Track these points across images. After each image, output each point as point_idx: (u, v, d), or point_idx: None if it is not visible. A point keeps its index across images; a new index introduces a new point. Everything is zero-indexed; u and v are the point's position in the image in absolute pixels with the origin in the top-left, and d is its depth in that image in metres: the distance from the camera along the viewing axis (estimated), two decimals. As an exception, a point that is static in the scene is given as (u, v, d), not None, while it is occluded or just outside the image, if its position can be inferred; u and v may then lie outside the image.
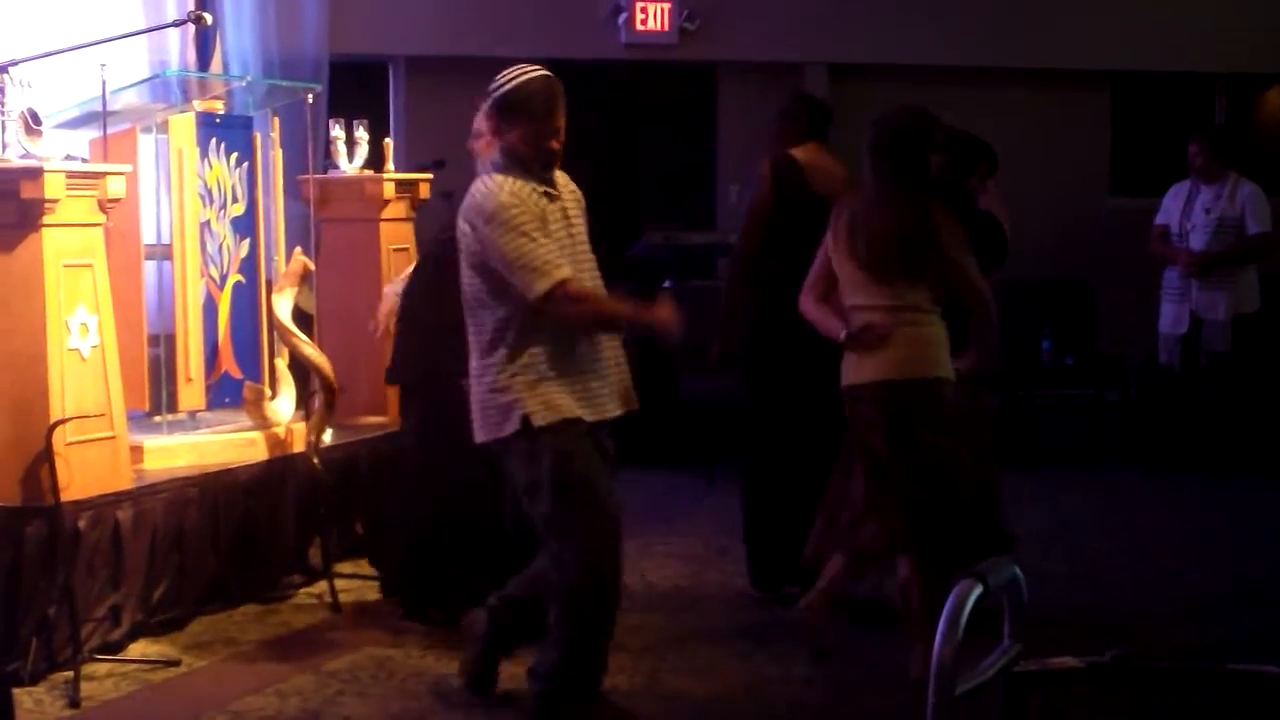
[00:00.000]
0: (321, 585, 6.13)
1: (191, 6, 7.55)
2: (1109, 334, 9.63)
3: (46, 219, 5.05)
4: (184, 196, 6.12)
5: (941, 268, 4.99)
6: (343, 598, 6.00)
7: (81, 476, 5.13)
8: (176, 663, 5.31)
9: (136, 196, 5.84)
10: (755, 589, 6.11)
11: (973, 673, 2.70)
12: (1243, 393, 8.69)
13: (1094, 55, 10.93)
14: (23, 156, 5.06)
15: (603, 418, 4.56)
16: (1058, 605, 5.87)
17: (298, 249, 6.36)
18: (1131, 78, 11.28)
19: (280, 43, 9.04)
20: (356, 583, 6.22)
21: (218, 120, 6.43)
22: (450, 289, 4.70)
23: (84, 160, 5.64)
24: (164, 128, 6.12)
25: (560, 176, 4.63)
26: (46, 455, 4.99)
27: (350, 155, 7.01)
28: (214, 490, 5.78)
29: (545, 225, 4.44)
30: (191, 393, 6.16)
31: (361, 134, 7.02)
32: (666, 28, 10.46)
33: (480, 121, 5.01)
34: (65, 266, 5.12)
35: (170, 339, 6.14)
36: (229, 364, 6.38)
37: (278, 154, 6.69)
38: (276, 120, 6.75)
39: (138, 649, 5.40)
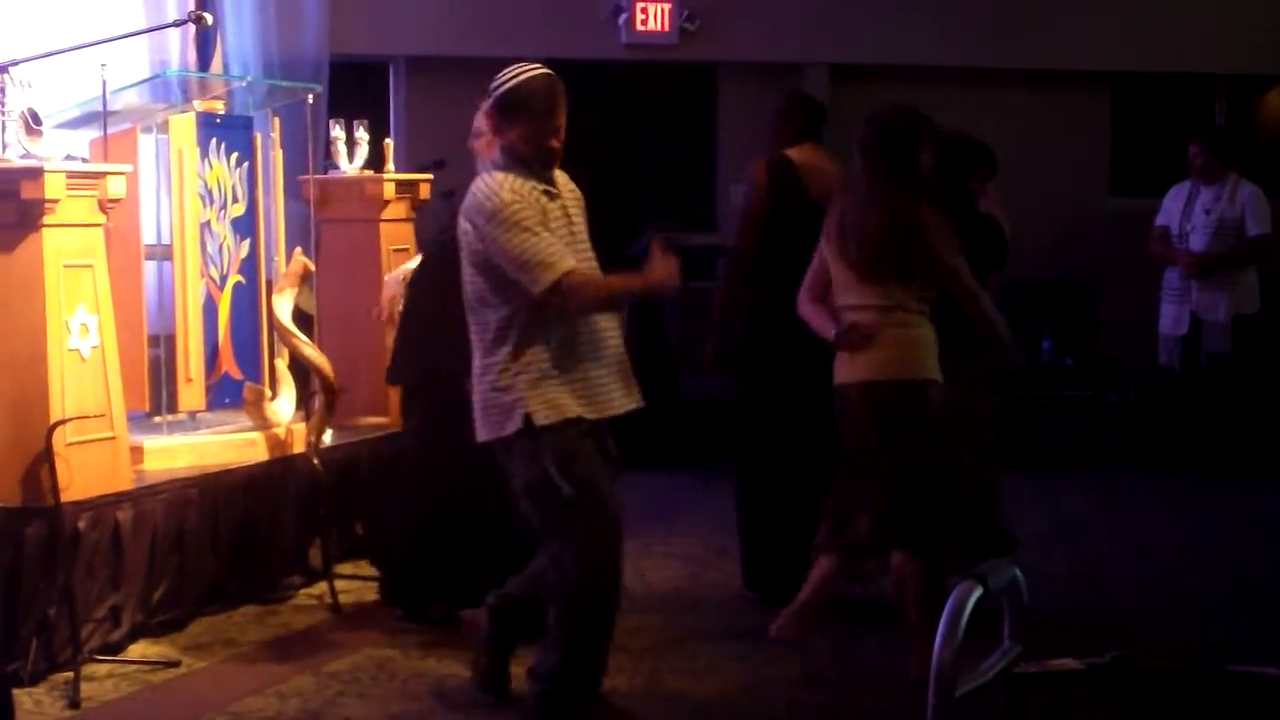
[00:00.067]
0: (322, 586, 6.13)
1: (192, 6, 7.56)
2: (1109, 335, 9.63)
3: (47, 219, 5.05)
4: (184, 197, 6.12)
5: (931, 268, 4.99)
6: (343, 598, 6.00)
7: (81, 477, 5.13)
8: (176, 663, 5.31)
9: (137, 197, 5.84)
10: (748, 589, 6.12)
11: (973, 674, 2.70)
12: (1243, 394, 8.69)
13: (1094, 56, 10.93)
14: (23, 156, 5.06)
15: (605, 415, 4.56)
16: (1058, 606, 5.87)
17: (298, 249, 6.36)
18: (1132, 78, 11.27)
19: (280, 43, 9.04)
20: (357, 583, 6.22)
21: (218, 120, 6.43)
22: (452, 288, 4.70)
23: (84, 160, 5.64)
24: (164, 128, 6.12)
25: (560, 176, 4.63)
26: (46, 456, 4.99)
27: (350, 155, 7.02)
28: (214, 491, 5.78)
29: (546, 221, 4.45)
30: (191, 393, 6.16)
31: (362, 134, 7.03)
32: (667, 28, 10.46)
33: (480, 121, 5.02)
34: (65, 267, 5.12)
35: (170, 339, 6.14)
36: (229, 364, 6.38)
37: (278, 154, 6.69)
38: (277, 120, 6.75)
39: (138, 650, 5.40)
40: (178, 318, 6.14)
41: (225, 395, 6.34)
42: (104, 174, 5.25)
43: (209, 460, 5.92)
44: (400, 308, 5.97)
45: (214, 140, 6.30)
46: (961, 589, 2.67)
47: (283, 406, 6.27)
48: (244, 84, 6.77)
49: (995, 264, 5.75)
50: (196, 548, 5.69)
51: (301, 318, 6.38)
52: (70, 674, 4.94)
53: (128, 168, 5.47)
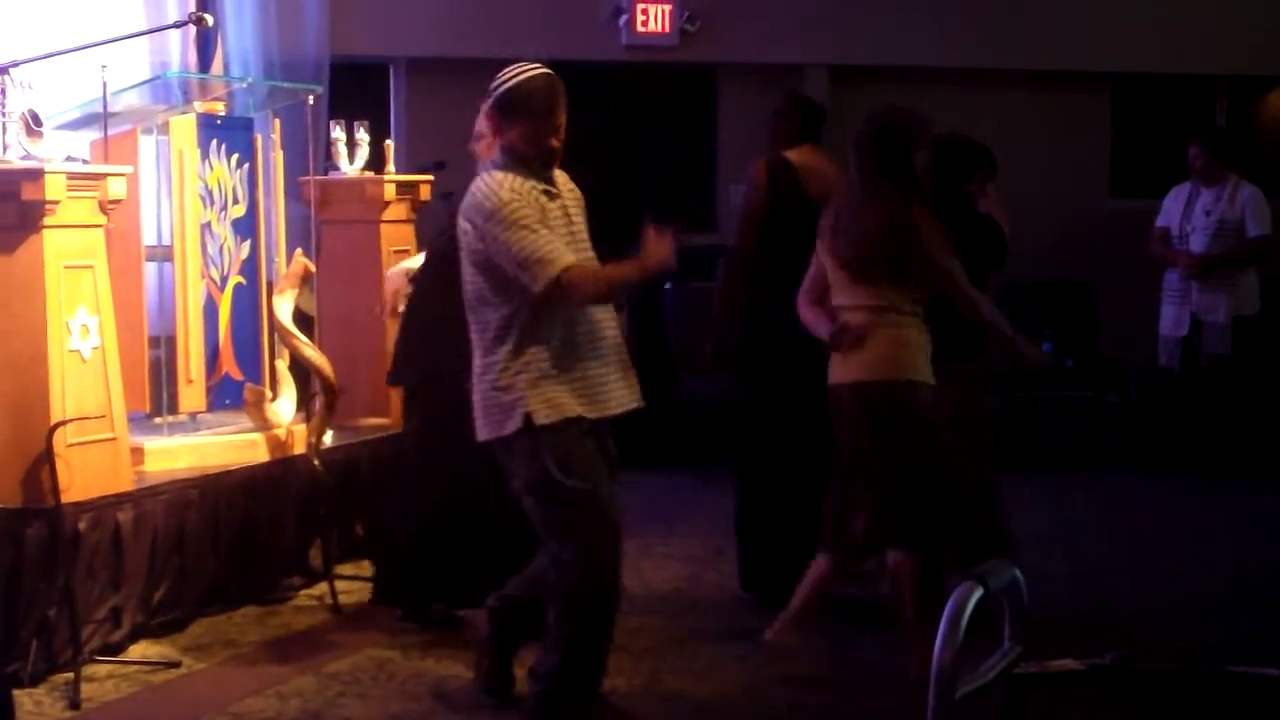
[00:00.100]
0: (322, 587, 6.13)
1: (192, 8, 7.56)
2: (1109, 336, 9.63)
3: (47, 220, 5.05)
4: (185, 198, 6.12)
5: (923, 269, 4.98)
6: (343, 599, 6.00)
7: (82, 478, 5.13)
8: (177, 664, 5.31)
9: (137, 198, 5.85)
10: (744, 590, 6.12)
11: (973, 675, 2.70)
12: (1243, 395, 8.69)
13: (1094, 57, 10.93)
14: (24, 158, 5.06)
15: (605, 414, 4.56)
16: (1058, 607, 5.87)
17: (298, 250, 6.36)
18: (1132, 79, 11.28)
19: (281, 44, 9.04)
20: (357, 584, 6.22)
21: (218, 122, 6.43)
22: (452, 289, 4.70)
23: (85, 161, 5.64)
24: (165, 129, 6.12)
25: (560, 176, 4.64)
26: (47, 457, 4.99)
27: (351, 157, 7.02)
28: (214, 492, 5.78)
29: (546, 220, 4.45)
30: (192, 394, 6.16)
31: (362, 135, 7.03)
32: (667, 29, 10.46)
33: (482, 123, 5.02)
34: (66, 268, 5.13)
35: (171, 340, 6.14)
36: (229, 365, 6.38)
37: (278, 155, 6.70)
38: (277, 122, 6.76)
39: (138, 650, 5.40)
40: (178, 319, 6.14)
41: (226, 396, 6.34)
42: (104, 175, 5.25)
43: (209, 461, 5.92)
44: (403, 303, 5.97)
45: (214, 141, 6.30)
46: (962, 590, 2.67)
47: (283, 407, 6.28)
48: (244, 85, 6.78)
49: (995, 265, 5.76)
50: (197, 549, 5.69)
51: (302, 319, 6.39)
52: (70, 675, 4.94)
53: (128, 169, 5.47)
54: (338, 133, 7.00)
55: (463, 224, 4.52)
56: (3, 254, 5.07)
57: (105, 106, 5.52)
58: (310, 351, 6.15)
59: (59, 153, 5.27)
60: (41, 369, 5.05)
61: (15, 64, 5.20)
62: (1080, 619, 5.80)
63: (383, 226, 7.01)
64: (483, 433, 4.57)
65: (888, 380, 5.00)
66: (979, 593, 2.67)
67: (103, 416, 5.23)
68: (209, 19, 6.16)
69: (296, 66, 9.11)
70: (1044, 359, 5.48)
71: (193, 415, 6.20)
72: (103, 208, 5.25)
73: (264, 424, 6.18)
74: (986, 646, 2.79)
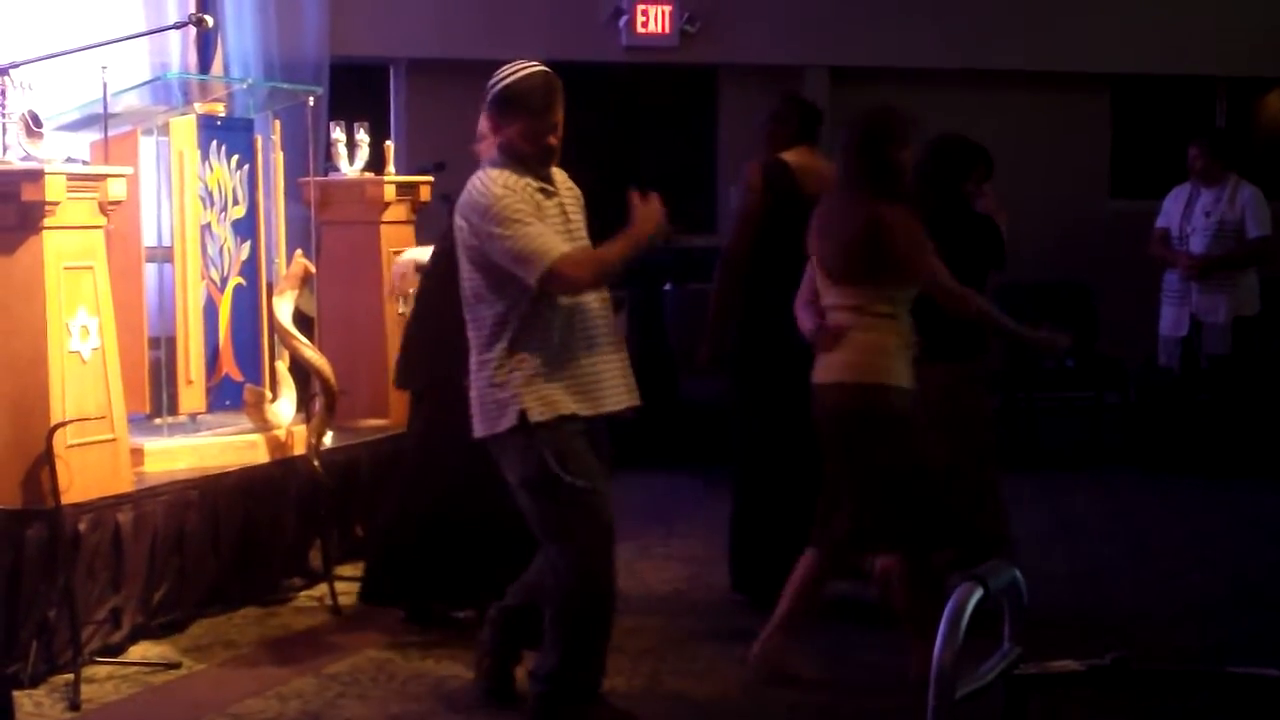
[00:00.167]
0: (322, 588, 6.14)
1: (192, 9, 7.56)
2: (1109, 336, 9.63)
3: (47, 221, 5.06)
4: (185, 199, 6.12)
5: (898, 269, 4.96)
6: (343, 600, 6.00)
7: (82, 479, 5.13)
8: (177, 665, 5.31)
9: (137, 199, 5.85)
10: (735, 590, 6.12)
11: (973, 676, 2.70)
12: (1242, 395, 8.70)
13: (1094, 58, 10.93)
14: (24, 159, 5.06)
15: (601, 412, 4.56)
16: (1058, 607, 5.87)
17: (298, 251, 6.36)
18: (1132, 81, 11.28)
19: (281, 45, 9.04)
20: (357, 585, 6.20)
21: (218, 123, 6.43)
22: (457, 291, 4.71)
23: (85, 163, 5.65)
24: (165, 130, 6.13)
25: (559, 174, 4.64)
26: (47, 458, 4.99)
27: (351, 158, 7.02)
28: (214, 493, 5.78)
29: (541, 215, 4.45)
30: (192, 395, 6.16)
31: (362, 136, 7.03)
32: (667, 30, 10.46)
33: (484, 124, 5.02)
34: (66, 269, 5.13)
35: (171, 341, 6.14)
36: (229, 366, 6.38)
37: (278, 156, 6.70)
38: (277, 123, 6.76)
39: (138, 651, 5.40)
40: (178, 320, 6.14)
41: (226, 397, 6.34)
42: (104, 176, 5.26)
43: (209, 462, 5.92)
44: (410, 303, 5.97)
45: (214, 142, 6.30)
46: (961, 590, 2.67)
47: (283, 408, 6.28)
48: (244, 86, 6.77)
49: (994, 265, 5.76)
50: (197, 549, 5.69)
51: (302, 320, 6.39)
52: (70, 676, 4.94)
53: (128, 170, 5.47)
54: (338, 134, 7.00)
55: (459, 221, 4.52)
56: (3, 255, 5.07)
57: (105, 107, 5.52)
58: (310, 353, 6.15)
59: (59, 154, 5.28)
60: (41, 370, 5.05)
61: (15, 65, 5.20)
62: (1080, 619, 5.80)
63: (383, 228, 7.01)
64: (479, 430, 4.58)
65: (858, 383, 4.98)
66: (979, 593, 2.67)
67: (103, 417, 5.23)
68: (209, 20, 6.16)
69: (296, 68, 9.11)
70: (1064, 340, 5.42)
71: (193, 416, 6.20)
72: (103, 209, 5.25)
73: (264, 425, 6.19)
74: (986, 647, 2.79)
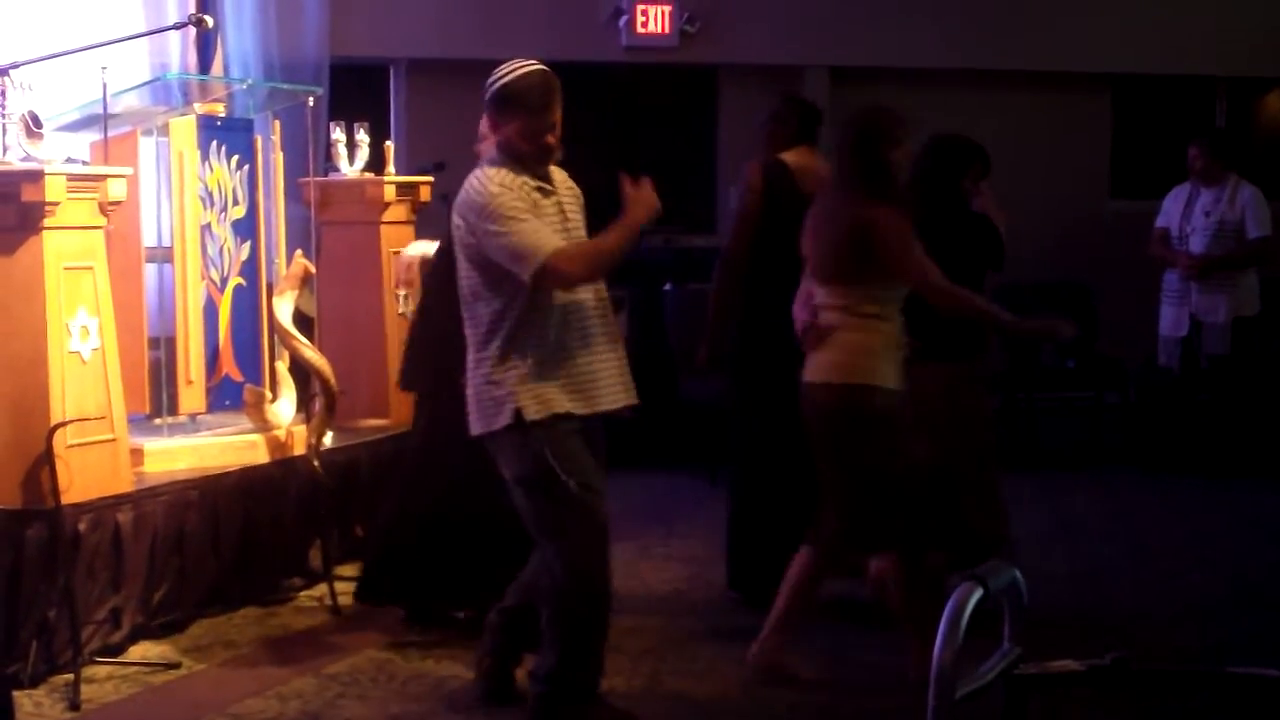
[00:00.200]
0: (322, 588, 6.14)
1: (192, 9, 7.56)
2: (1109, 336, 9.63)
3: (47, 222, 5.06)
4: (184, 199, 6.13)
5: (882, 269, 4.95)
6: (343, 600, 5.99)
7: (82, 479, 5.13)
8: (177, 665, 5.32)
9: (137, 199, 5.85)
10: (731, 588, 6.12)
11: (973, 676, 2.70)
12: (1242, 395, 8.70)
13: (1095, 58, 10.93)
14: (24, 159, 5.06)
15: (597, 411, 4.55)
16: (1058, 607, 5.87)
17: (298, 252, 6.36)
18: (1132, 80, 11.28)
19: (281, 45, 9.04)
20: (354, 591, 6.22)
21: (218, 123, 6.43)
22: (456, 288, 4.71)
23: (85, 163, 5.65)
24: (165, 130, 6.13)
25: (558, 173, 4.64)
26: (47, 458, 4.99)
27: (351, 158, 7.02)
28: (214, 493, 5.78)
29: (537, 212, 4.44)
30: (192, 395, 6.16)
31: (362, 137, 7.03)
32: (667, 30, 10.45)
33: (485, 124, 5.02)
34: (66, 269, 5.13)
35: (171, 342, 6.14)
36: (229, 367, 6.38)
37: (278, 157, 6.70)
38: (277, 123, 6.76)
39: (138, 651, 5.40)
40: (178, 320, 6.14)
41: (226, 397, 6.34)
42: (104, 176, 5.26)
43: (209, 462, 5.92)
44: (415, 300, 5.98)
45: (214, 143, 6.30)
46: (961, 590, 2.67)
47: (283, 409, 6.28)
48: (244, 87, 6.77)
49: (992, 265, 5.74)
50: (197, 550, 5.69)
51: (302, 320, 6.39)
52: (70, 676, 4.95)
53: (128, 170, 5.47)
54: (338, 134, 7.00)
55: (456, 220, 4.53)
56: (3, 255, 5.07)
57: (105, 108, 5.52)
58: (310, 353, 6.15)
59: (59, 154, 5.28)
60: (41, 370, 5.05)
61: (15, 65, 5.20)
62: (1080, 619, 5.80)
63: (383, 228, 7.01)
64: (475, 427, 4.58)
65: (843, 383, 4.98)
66: (979, 593, 2.67)
67: (102, 418, 5.23)
68: (209, 20, 6.15)
69: (296, 68, 9.11)
70: (1067, 327, 5.38)
71: (192, 416, 6.20)
72: (103, 209, 5.26)
73: (264, 425, 6.19)
74: (986, 647, 2.79)
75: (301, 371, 6.24)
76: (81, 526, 5.11)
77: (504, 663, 4.93)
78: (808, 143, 6.11)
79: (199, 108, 6.34)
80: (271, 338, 6.44)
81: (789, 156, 6.05)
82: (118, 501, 5.30)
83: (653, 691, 5.09)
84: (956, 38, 10.69)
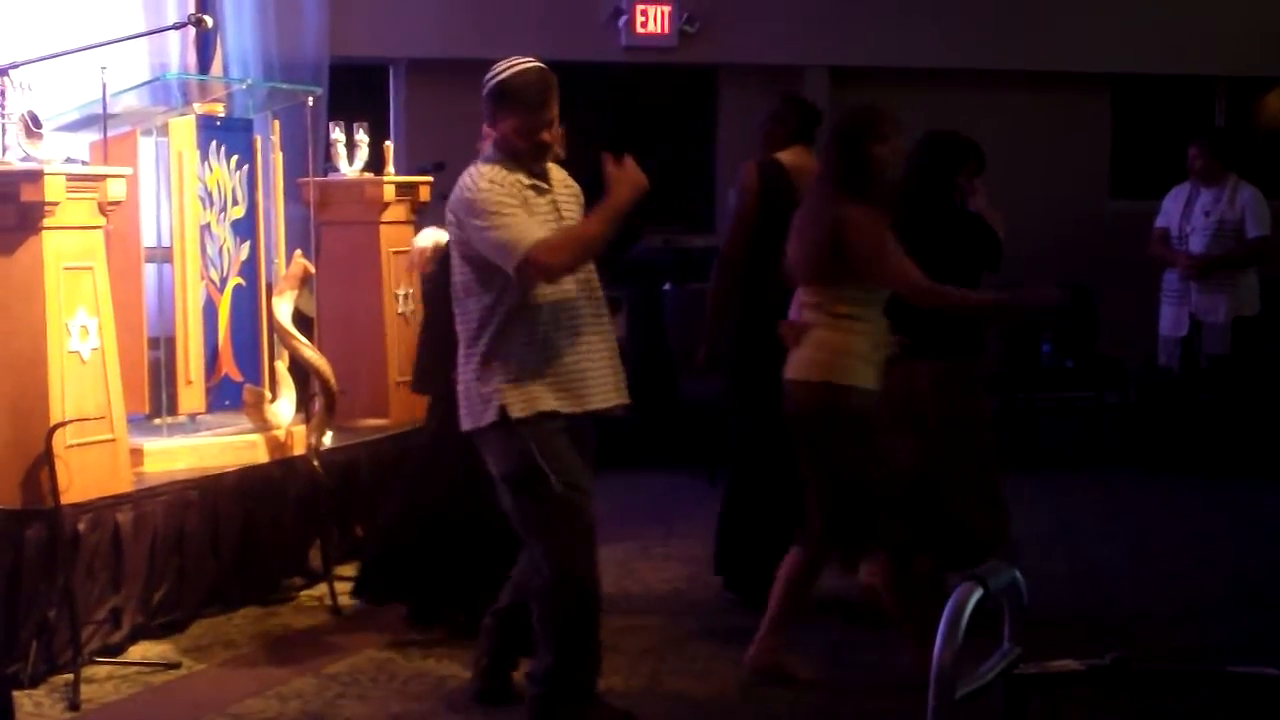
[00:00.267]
0: (322, 588, 6.14)
1: (192, 9, 7.55)
2: (1109, 336, 9.64)
3: (47, 222, 5.06)
4: (184, 199, 6.13)
5: (858, 272, 4.95)
6: (343, 600, 5.99)
7: (81, 479, 5.13)
8: (177, 665, 5.32)
9: (137, 199, 5.85)
10: (727, 589, 6.11)
11: (973, 676, 2.70)
12: (1242, 395, 8.70)
13: (1094, 58, 10.93)
14: (23, 159, 5.06)
15: (585, 410, 4.55)
16: (1058, 607, 5.87)
17: (298, 252, 6.36)
18: (1132, 80, 11.28)
19: (280, 45, 9.04)
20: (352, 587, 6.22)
21: (218, 123, 6.43)
22: None
23: (84, 163, 5.65)
24: (164, 130, 6.13)
25: (557, 171, 4.64)
26: (46, 458, 4.99)
27: (350, 158, 7.02)
28: (214, 493, 5.78)
29: (528, 208, 4.44)
30: (191, 395, 6.16)
31: (362, 137, 7.03)
32: (666, 30, 10.46)
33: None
34: (65, 269, 5.13)
35: (170, 342, 6.14)
36: (229, 367, 6.38)
37: (278, 157, 6.70)
38: (277, 123, 6.76)
39: (138, 651, 5.40)
40: (178, 320, 6.14)
41: (225, 397, 6.34)
42: (104, 176, 5.26)
43: (209, 462, 5.92)
44: (431, 265, 5.97)
45: (214, 143, 6.30)
46: (962, 590, 2.67)
47: (283, 409, 6.28)
48: (244, 87, 6.77)
49: (988, 265, 5.70)
50: (197, 550, 5.69)
51: (301, 320, 6.39)
52: (70, 676, 4.95)
53: (128, 170, 5.47)
54: (337, 134, 7.00)
55: (449, 217, 4.55)
56: (2, 255, 5.07)
57: (105, 108, 5.52)
58: (310, 353, 6.15)
59: (58, 154, 5.28)
60: (41, 370, 5.05)
61: (15, 65, 5.20)
62: (1080, 619, 5.80)
63: (382, 228, 7.02)
64: (465, 423, 4.60)
65: (818, 381, 4.99)
66: (979, 593, 2.66)
67: (102, 418, 5.23)
68: (208, 20, 6.16)
69: (296, 68, 9.11)
70: (1056, 295, 5.36)
71: (192, 416, 6.20)
72: (102, 209, 5.25)
73: (263, 425, 6.18)
74: (986, 647, 2.79)
75: (301, 371, 6.24)
76: (81, 526, 5.11)
77: (501, 663, 4.93)
78: (805, 142, 6.11)
79: (198, 108, 6.34)
80: (271, 338, 6.44)
81: (785, 156, 6.05)
82: (117, 501, 5.30)
83: (652, 691, 5.09)
84: (956, 38, 10.69)
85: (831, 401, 4.95)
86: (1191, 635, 5.71)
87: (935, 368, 5.44)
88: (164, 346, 6.09)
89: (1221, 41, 10.91)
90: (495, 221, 4.37)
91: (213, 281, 6.31)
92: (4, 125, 5.10)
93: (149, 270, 6.11)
